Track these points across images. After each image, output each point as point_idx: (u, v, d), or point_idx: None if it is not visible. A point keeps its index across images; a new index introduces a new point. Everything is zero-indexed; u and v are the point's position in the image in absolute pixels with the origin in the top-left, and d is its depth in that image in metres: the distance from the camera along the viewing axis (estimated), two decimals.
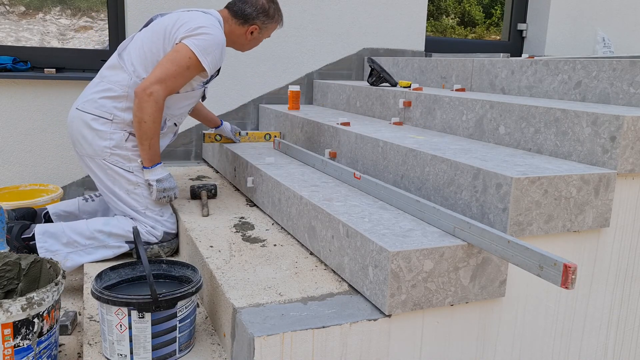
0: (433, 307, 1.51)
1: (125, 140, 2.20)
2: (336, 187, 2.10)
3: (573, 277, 1.22)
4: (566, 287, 1.23)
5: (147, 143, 2.15)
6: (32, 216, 2.35)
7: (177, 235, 2.33)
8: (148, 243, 2.23)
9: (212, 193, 2.56)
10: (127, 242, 2.21)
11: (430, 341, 1.55)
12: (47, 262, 1.76)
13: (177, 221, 2.34)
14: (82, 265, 2.20)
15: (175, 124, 2.38)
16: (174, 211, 2.41)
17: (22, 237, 2.13)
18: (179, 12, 2.27)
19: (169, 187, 2.25)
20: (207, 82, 2.34)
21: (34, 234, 2.14)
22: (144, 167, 2.21)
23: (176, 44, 2.15)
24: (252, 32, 2.36)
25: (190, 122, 3.40)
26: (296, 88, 3.23)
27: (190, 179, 2.88)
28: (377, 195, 1.96)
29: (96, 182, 2.27)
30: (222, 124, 2.93)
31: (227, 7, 2.35)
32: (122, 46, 2.26)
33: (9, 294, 1.77)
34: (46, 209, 2.41)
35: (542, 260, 1.28)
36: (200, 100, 2.49)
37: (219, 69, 2.33)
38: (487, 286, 1.57)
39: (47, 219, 2.40)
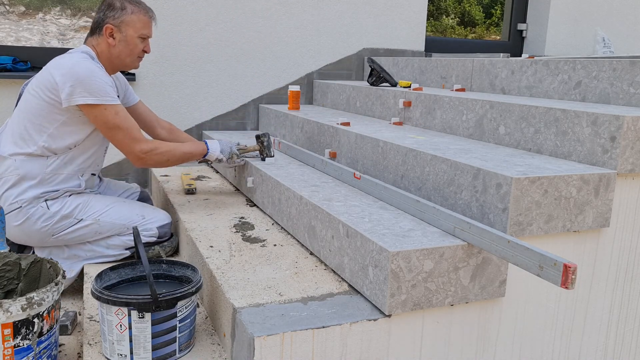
0: (433, 307, 1.51)
1: (48, 208, 2.08)
2: (336, 187, 2.09)
3: (573, 277, 1.22)
4: (566, 287, 1.23)
5: (186, 159, 2.28)
6: None
7: (173, 233, 2.32)
8: (148, 244, 2.22)
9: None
10: (126, 249, 2.21)
11: (430, 341, 1.55)
12: (47, 262, 1.76)
13: (177, 221, 2.34)
14: (82, 266, 2.20)
15: (92, 173, 2.25)
16: (173, 210, 2.41)
17: None
18: (44, 69, 2.09)
19: (231, 148, 2.39)
20: None
21: (34, 251, 2.16)
22: (205, 159, 2.37)
23: (78, 106, 2.00)
24: (112, 36, 2.14)
25: (189, 122, 3.40)
26: (296, 88, 3.23)
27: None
28: (377, 195, 1.96)
29: (77, 252, 2.19)
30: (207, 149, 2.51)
31: (89, 33, 2.21)
32: None
33: (9, 294, 1.77)
34: None
35: (542, 260, 1.28)
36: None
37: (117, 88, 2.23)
38: (487, 286, 1.57)
39: None
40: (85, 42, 2.20)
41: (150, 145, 2.15)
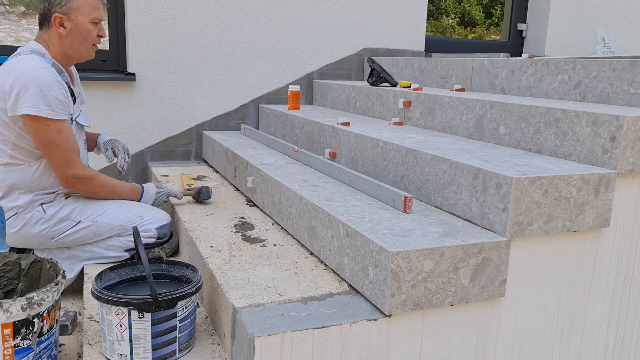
0: (433, 307, 1.51)
1: (45, 212, 2.07)
2: (336, 187, 2.10)
3: (410, 204, 1.78)
4: (405, 212, 1.77)
5: (114, 197, 2.20)
6: None
7: (172, 233, 2.33)
8: (147, 245, 2.21)
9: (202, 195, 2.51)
10: (126, 250, 2.20)
11: (430, 341, 1.55)
12: (47, 262, 1.76)
13: (177, 221, 2.34)
14: (82, 266, 2.20)
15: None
16: (173, 210, 2.41)
17: None
18: None
19: (164, 201, 2.37)
20: (74, 110, 2.14)
21: (34, 252, 2.15)
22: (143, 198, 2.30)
23: (20, 116, 1.92)
24: (62, 25, 2.03)
25: (189, 122, 3.40)
26: (296, 88, 3.23)
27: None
28: (323, 171, 2.29)
29: (76, 253, 2.18)
30: (98, 138, 2.45)
31: (39, 27, 2.11)
32: None
33: (9, 294, 1.77)
34: None
35: (394, 195, 1.83)
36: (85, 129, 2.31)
37: (71, 93, 2.11)
38: (487, 286, 1.57)
39: None
40: (36, 38, 2.09)
41: (87, 173, 2.08)
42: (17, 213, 2.06)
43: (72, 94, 2.13)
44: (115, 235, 2.18)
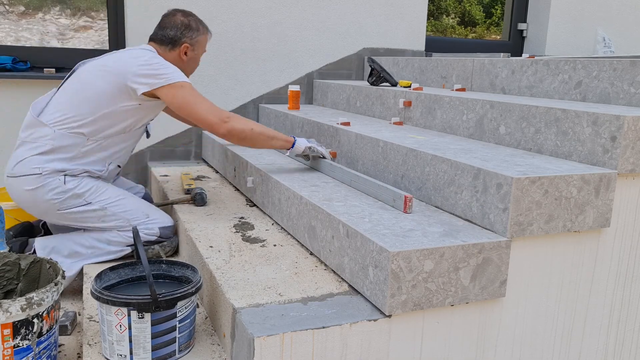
0: (433, 308, 1.51)
1: (65, 183, 2.10)
2: (336, 187, 2.09)
3: (410, 204, 1.78)
4: (406, 212, 1.78)
5: (271, 143, 2.25)
6: (29, 230, 2.36)
7: (175, 232, 2.33)
8: (148, 242, 2.22)
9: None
10: (128, 245, 2.22)
11: (431, 341, 1.55)
12: (47, 262, 1.76)
13: (177, 221, 2.34)
14: (82, 266, 2.20)
15: (119, 165, 2.31)
16: (173, 210, 2.41)
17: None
18: (111, 54, 2.23)
19: (318, 151, 2.33)
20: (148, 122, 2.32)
21: (34, 250, 2.16)
22: (291, 150, 2.31)
23: (166, 85, 2.09)
24: (185, 53, 2.31)
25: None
26: (296, 88, 3.23)
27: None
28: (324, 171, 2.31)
29: (78, 250, 2.20)
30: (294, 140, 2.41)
31: (151, 39, 2.31)
32: (38, 107, 2.16)
33: (8, 294, 1.77)
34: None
35: (395, 195, 1.83)
36: (146, 137, 2.45)
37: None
38: (487, 286, 1.57)
39: (45, 228, 2.41)
40: (149, 44, 2.28)
41: (228, 113, 2.17)
42: (41, 173, 2.08)
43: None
44: (116, 229, 2.19)
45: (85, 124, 2.10)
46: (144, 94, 2.09)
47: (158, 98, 2.13)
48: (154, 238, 2.23)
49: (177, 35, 2.27)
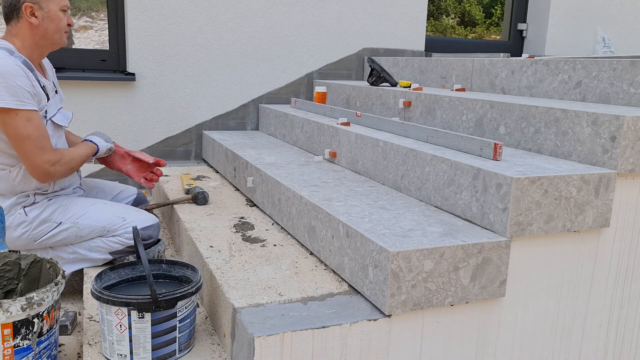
0: (433, 307, 1.51)
1: (27, 215, 2.04)
2: (336, 187, 2.09)
3: (500, 151, 1.78)
4: (496, 159, 1.78)
5: (84, 160, 2.13)
6: None
7: (160, 238, 2.27)
8: (130, 246, 2.15)
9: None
10: (110, 252, 2.14)
11: (430, 341, 1.55)
12: (47, 262, 1.76)
13: (177, 221, 2.34)
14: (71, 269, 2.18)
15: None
16: (172, 210, 2.41)
17: None
18: None
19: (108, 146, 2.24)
20: (48, 109, 2.07)
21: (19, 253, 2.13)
22: (95, 158, 2.22)
23: None
24: (33, 15, 1.99)
25: (189, 122, 3.40)
26: (323, 89, 3.29)
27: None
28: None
29: (60, 254, 2.14)
30: (97, 146, 2.23)
31: (5, 22, 2.05)
32: None
33: (8, 294, 1.77)
34: None
35: (482, 144, 1.84)
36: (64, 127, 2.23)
37: (44, 87, 2.03)
38: (487, 286, 1.57)
39: None
40: (4, 37, 2.04)
41: (57, 155, 2.00)
42: None
43: (45, 91, 2.06)
44: (99, 237, 2.13)
45: None
46: None
47: None
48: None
49: (13, 1, 1.98)
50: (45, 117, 2.05)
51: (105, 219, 2.13)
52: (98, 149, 2.19)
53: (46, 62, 2.22)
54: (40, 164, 1.96)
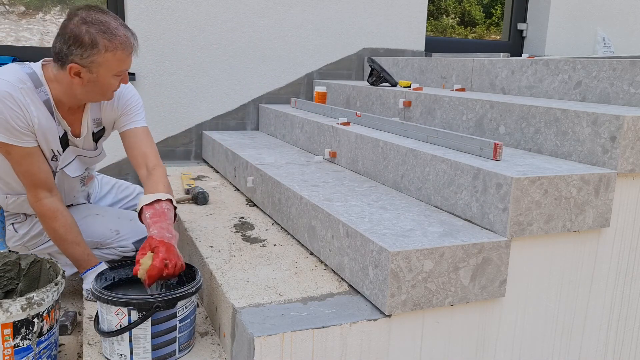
0: (433, 307, 1.51)
1: (17, 232, 2.01)
2: (336, 187, 2.09)
3: (500, 151, 1.77)
4: (496, 159, 1.77)
5: (62, 249, 1.90)
6: None
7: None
8: (127, 258, 2.14)
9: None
10: (106, 262, 2.09)
11: (430, 341, 1.55)
12: (47, 262, 1.76)
13: (177, 221, 2.34)
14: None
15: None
16: None
17: None
18: None
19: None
20: (61, 159, 1.91)
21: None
22: (84, 274, 1.92)
23: None
24: (78, 75, 1.71)
25: (189, 122, 3.40)
26: (323, 89, 3.29)
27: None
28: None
29: (57, 260, 2.03)
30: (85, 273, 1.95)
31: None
32: None
33: (8, 294, 1.77)
34: None
35: (482, 144, 1.84)
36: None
37: (62, 136, 1.86)
38: (487, 286, 1.57)
39: None
40: (46, 64, 1.81)
41: (37, 206, 1.83)
42: None
43: (63, 140, 1.88)
44: (94, 248, 2.09)
45: None
46: None
47: None
48: (132, 254, 2.13)
49: (63, 51, 1.68)
50: (55, 163, 1.90)
51: (98, 234, 2.08)
52: (83, 273, 1.93)
53: (107, 104, 1.94)
54: (30, 200, 1.85)
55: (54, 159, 1.89)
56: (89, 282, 1.91)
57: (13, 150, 1.77)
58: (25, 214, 2.04)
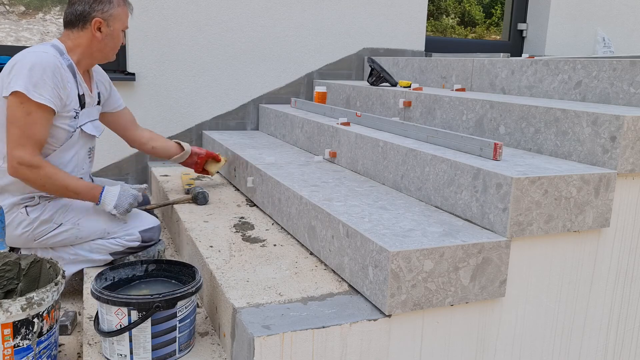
0: (433, 307, 1.51)
1: (28, 215, 2.03)
2: (336, 187, 2.09)
3: (500, 151, 1.78)
4: (496, 159, 1.77)
5: (69, 195, 2.03)
6: None
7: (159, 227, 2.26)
8: (132, 249, 2.16)
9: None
10: (110, 254, 2.15)
11: (430, 341, 1.55)
12: (47, 262, 1.76)
13: (177, 221, 2.34)
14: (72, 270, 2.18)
15: (80, 177, 2.15)
16: (172, 210, 2.41)
17: None
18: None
19: (130, 203, 2.12)
20: (80, 117, 2.08)
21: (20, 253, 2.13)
22: (97, 205, 2.09)
23: (4, 97, 1.90)
24: (99, 29, 2.05)
25: (189, 122, 3.40)
26: (323, 89, 3.28)
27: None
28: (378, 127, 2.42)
29: (61, 255, 2.13)
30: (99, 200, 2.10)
31: (64, 25, 2.09)
32: None
33: (8, 294, 1.77)
34: None
35: (482, 144, 1.84)
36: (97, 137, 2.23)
37: (82, 95, 2.07)
38: (487, 286, 1.57)
39: None
40: (59, 37, 2.09)
41: (34, 160, 1.92)
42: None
43: (83, 99, 2.08)
44: (99, 238, 2.13)
45: (4, 156, 1.96)
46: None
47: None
48: (136, 244, 2.16)
49: (85, 10, 2.03)
50: (74, 124, 2.06)
51: (105, 221, 2.13)
52: (101, 196, 2.08)
53: (99, 74, 2.29)
54: (12, 156, 1.91)
55: (75, 117, 2.07)
56: (110, 203, 2.09)
57: (41, 110, 1.92)
58: (37, 196, 2.05)
